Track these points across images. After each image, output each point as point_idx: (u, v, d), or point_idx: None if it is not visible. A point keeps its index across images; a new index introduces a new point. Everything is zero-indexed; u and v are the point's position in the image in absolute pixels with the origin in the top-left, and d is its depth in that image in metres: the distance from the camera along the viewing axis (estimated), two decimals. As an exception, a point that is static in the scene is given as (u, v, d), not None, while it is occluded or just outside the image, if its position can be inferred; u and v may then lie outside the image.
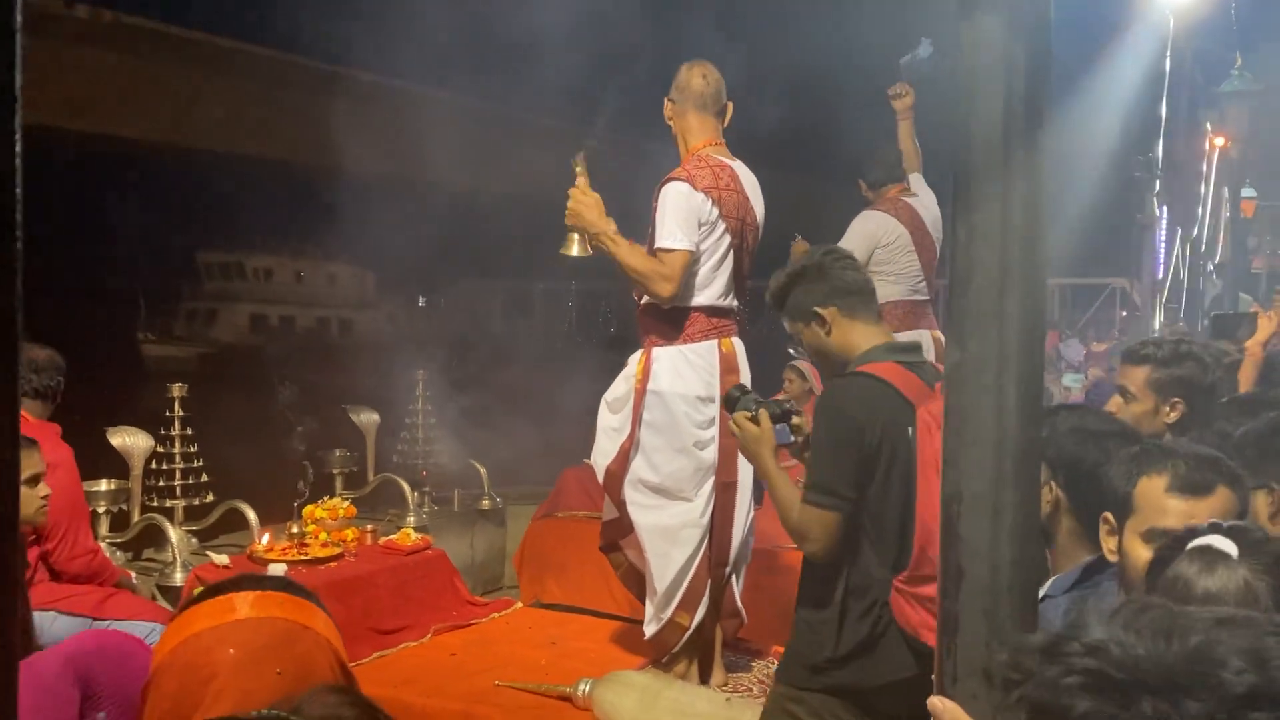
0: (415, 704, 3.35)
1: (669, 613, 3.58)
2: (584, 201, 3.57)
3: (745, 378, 3.58)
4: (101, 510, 4.64)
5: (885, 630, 2.43)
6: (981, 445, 1.27)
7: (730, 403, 2.74)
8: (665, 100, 3.83)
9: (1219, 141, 11.26)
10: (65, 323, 5.81)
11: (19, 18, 0.75)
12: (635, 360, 3.70)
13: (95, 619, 3.68)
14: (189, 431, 4.98)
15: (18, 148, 0.75)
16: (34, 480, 2.90)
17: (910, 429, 2.35)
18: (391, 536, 4.34)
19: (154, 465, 4.89)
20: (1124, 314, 23.55)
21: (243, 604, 1.37)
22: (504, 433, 6.54)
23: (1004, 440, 1.26)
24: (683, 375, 3.57)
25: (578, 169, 3.62)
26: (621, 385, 3.71)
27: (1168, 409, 2.97)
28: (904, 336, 5.33)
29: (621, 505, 3.64)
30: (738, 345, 3.70)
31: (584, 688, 3.36)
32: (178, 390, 4.95)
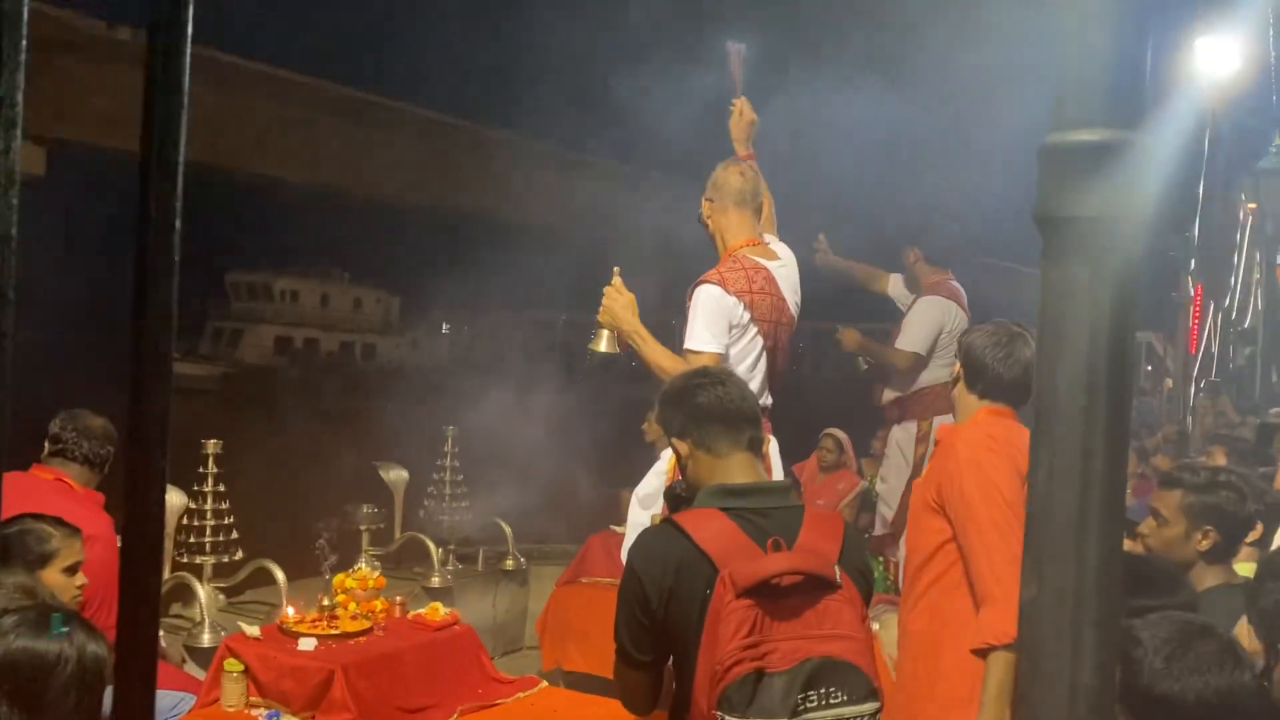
0: (442, 795, 3.33)
1: None
2: (618, 300, 3.61)
3: (777, 477, 3.56)
4: (132, 568, 4.65)
5: None
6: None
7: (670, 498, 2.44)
8: (702, 200, 3.85)
9: (1251, 206, 11.24)
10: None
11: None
12: (667, 457, 3.68)
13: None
14: (221, 488, 4.99)
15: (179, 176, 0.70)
16: (72, 570, 2.93)
17: (709, 591, 2.01)
18: (420, 610, 4.32)
19: (185, 521, 4.90)
20: (1149, 368, 23.45)
21: None
22: (529, 487, 6.50)
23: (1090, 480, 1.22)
24: None
25: (615, 270, 3.68)
26: (653, 481, 3.70)
27: (1199, 536, 2.94)
28: (948, 419, 5.27)
29: None
30: (772, 444, 3.68)
31: (612, 786, 3.33)
32: (211, 447, 4.97)
